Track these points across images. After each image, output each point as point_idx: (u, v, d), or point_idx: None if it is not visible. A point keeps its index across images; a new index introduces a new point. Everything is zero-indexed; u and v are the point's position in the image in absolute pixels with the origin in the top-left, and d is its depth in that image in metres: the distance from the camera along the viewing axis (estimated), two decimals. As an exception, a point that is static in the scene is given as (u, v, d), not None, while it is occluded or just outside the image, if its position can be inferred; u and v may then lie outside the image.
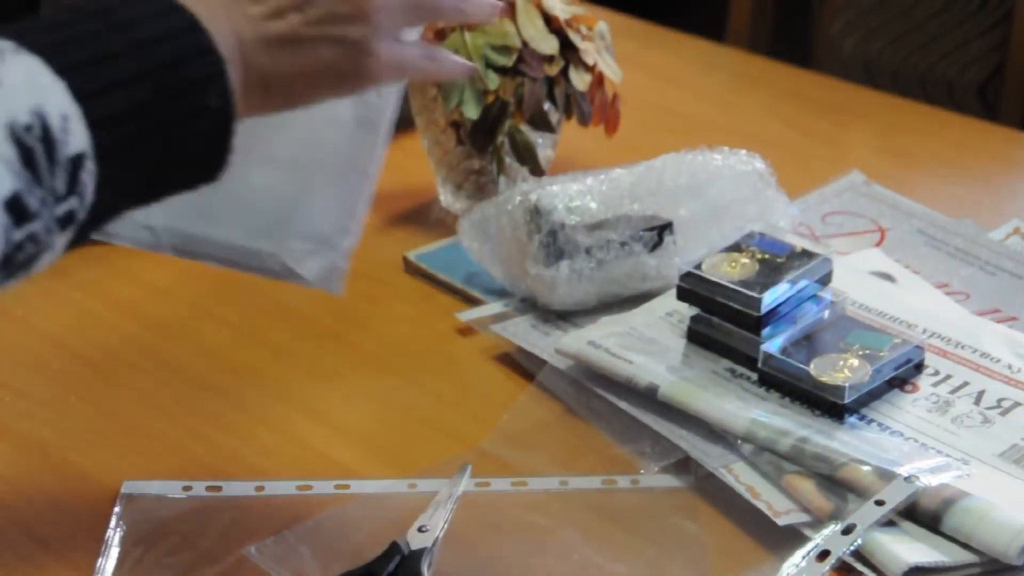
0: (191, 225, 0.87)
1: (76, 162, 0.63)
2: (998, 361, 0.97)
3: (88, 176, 0.64)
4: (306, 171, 0.87)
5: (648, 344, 1.00)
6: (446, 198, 1.23)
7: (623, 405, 0.96)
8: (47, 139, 0.62)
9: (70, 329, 1.08)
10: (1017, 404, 0.93)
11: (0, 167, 0.61)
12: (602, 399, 0.97)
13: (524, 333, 1.04)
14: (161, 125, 0.67)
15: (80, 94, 0.63)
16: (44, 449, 0.96)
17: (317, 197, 0.88)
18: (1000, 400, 0.93)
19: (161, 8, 0.68)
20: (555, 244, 1.04)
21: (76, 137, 0.63)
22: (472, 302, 1.10)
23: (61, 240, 0.65)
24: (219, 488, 0.92)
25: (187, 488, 0.91)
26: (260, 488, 0.92)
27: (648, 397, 0.95)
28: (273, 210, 0.88)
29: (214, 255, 0.89)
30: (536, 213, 1.05)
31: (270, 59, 0.73)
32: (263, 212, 0.88)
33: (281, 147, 0.86)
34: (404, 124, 1.32)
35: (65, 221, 0.64)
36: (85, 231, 0.67)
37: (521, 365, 1.03)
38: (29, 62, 0.63)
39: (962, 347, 0.98)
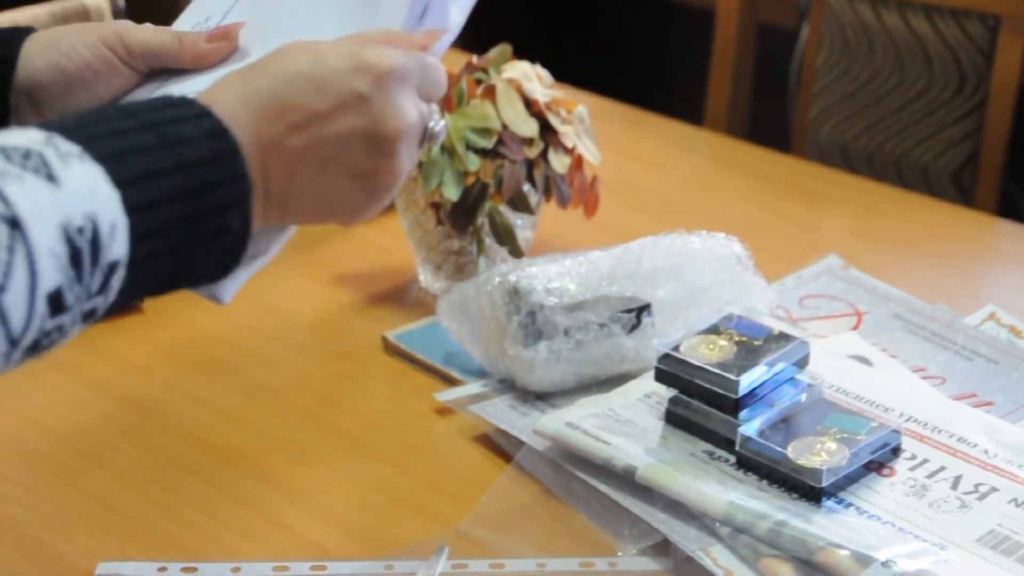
0: None
1: (112, 267, 0.67)
2: (975, 446, 0.97)
3: (117, 281, 0.68)
4: None
5: (626, 425, 1.00)
6: (426, 278, 1.23)
7: (601, 487, 0.96)
8: (95, 242, 0.65)
9: (45, 407, 1.08)
10: (994, 489, 0.93)
11: (50, 262, 0.64)
12: (580, 480, 0.97)
13: (502, 414, 1.04)
14: (189, 241, 0.70)
15: (131, 208, 0.67)
16: (18, 529, 0.95)
17: None
18: (977, 485, 0.94)
19: (208, 130, 0.71)
20: (534, 325, 1.05)
21: (118, 245, 0.67)
22: (451, 382, 1.10)
23: (76, 330, 0.68)
24: (195, 569, 0.91)
25: (162, 569, 0.91)
26: (236, 569, 0.91)
27: (626, 479, 0.95)
28: None
29: None
30: (515, 294, 1.05)
31: (291, 189, 0.75)
32: None
33: None
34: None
35: (88, 316, 0.68)
36: (91, 322, 0.70)
37: (499, 446, 1.03)
38: (92, 170, 0.66)
39: (939, 431, 0.99)
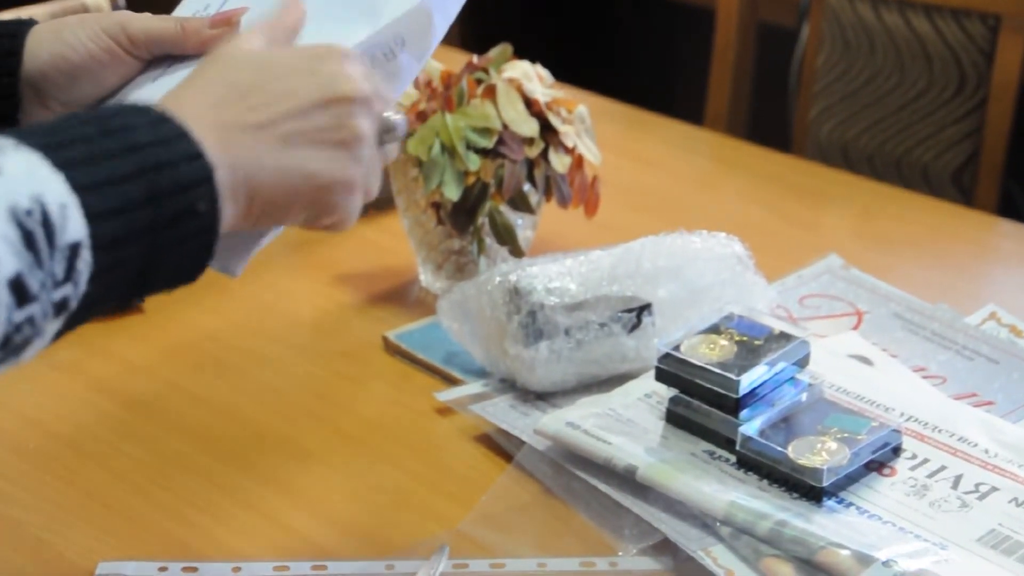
0: None
1: (74, 250, 0.66)
2: (975, 445, 0.97)
3: (84, 265, 0.66)
4: None
5: (627, 425, 1.00)
6: (426, 278, 1.23)
7: (602, 486, 0.96)
8: (47, 224, 0.64)
9: (46, 408, 1.08)
10: (994, 489, 0.93)
11: (4, 247, 0.63)
12: (581, 480, 0.97)
13: (503, 413, 1.04)
14: (153, 224, 0.69)
15: (77, 186, 0.66)
16: (18, 529, 0.95)
17: None
18: (978, 485, 0.94)
19: (152, 119, 0.71)
20: (534, 325, 1.05)
21: (74, 225, 0.66)
22: (451, 382, 1.10)
23: (52, 327, 0.67)
24: (195, 569, 0.91)
25: (163, 569, 0.91)
26: (237, 569, 0.91)
27: (627, 479, 0.95)
28: None
29: None
30: (516, 294, 1.05)
31: (257, 166, 0.75)
32: None
33: None
34: (384, 204, 1.34)
35: (59, 307, 0.66)
36: (72, 322, 0.69)
37: (500, 445, 1.03)
38: (29, 155, 0.66)
39: (939, 431, 0.99)
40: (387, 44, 0.86)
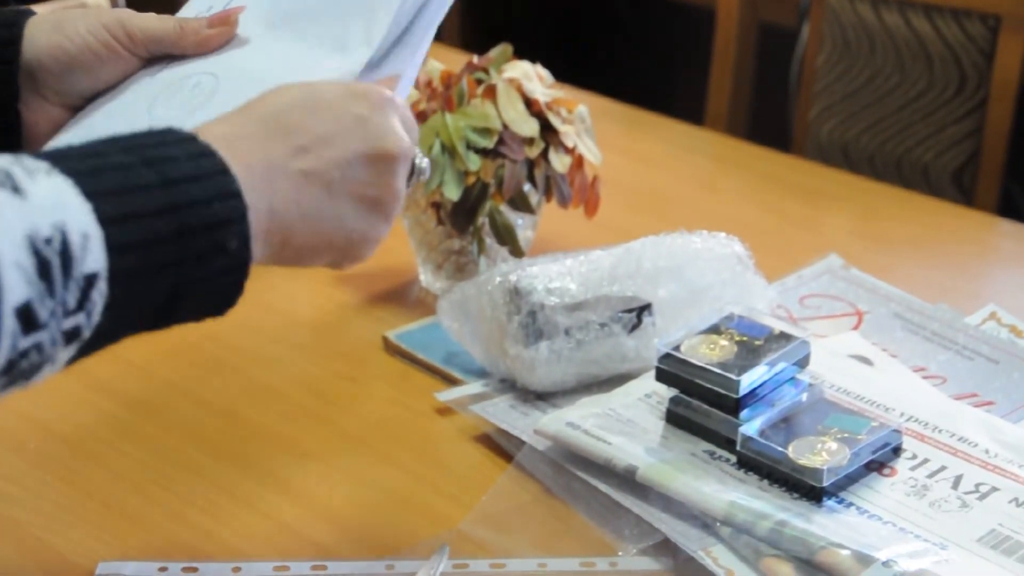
0: None
1: (89, 280, 0.65)
2: (975, 446, 0.97)
3: (99, 296, 0.65)
4: None
5: (627, 425, 1.00)
6: (426, 278, 1.23)
7: (602, 486, 0.96)
8: (65, 253, 0.63)
9: (47, 408, 1.08)
10: (995, 489, 0.93)
11: (16, 275, 0.62)
12: (581, 480, 0.97)
13: (503, 414, 1.04)
14: (177, 259, 0.68)
15: (105, 219, 0.65)
16: (18, 529, 0.95)
17: None
18: (978, 485, 0.94)
19: (195, 151, 0.70)
20: (534, 325, 1.05)
21: (94, 257, 0.65)
22: (451, 382, 1.10)
23: (64, 355, 0.66)
24: (195, 569, 0.91)
25: (163, 569, 0.91)
26: (237, 569, 0.91)
27: (627, 479, 0.95)
28: None
29: None
30: (516, 294, 1.05)
31: (297, 212, 0.74)
32: None
33: None
34: (385, 204, 1.33)
35: (70, 336, 0.65)
36: (87, 350, 0.68)
37: (500, 445, 1.03)
38: (60, 182, 0.65)
39: (939, 431, 0.99)
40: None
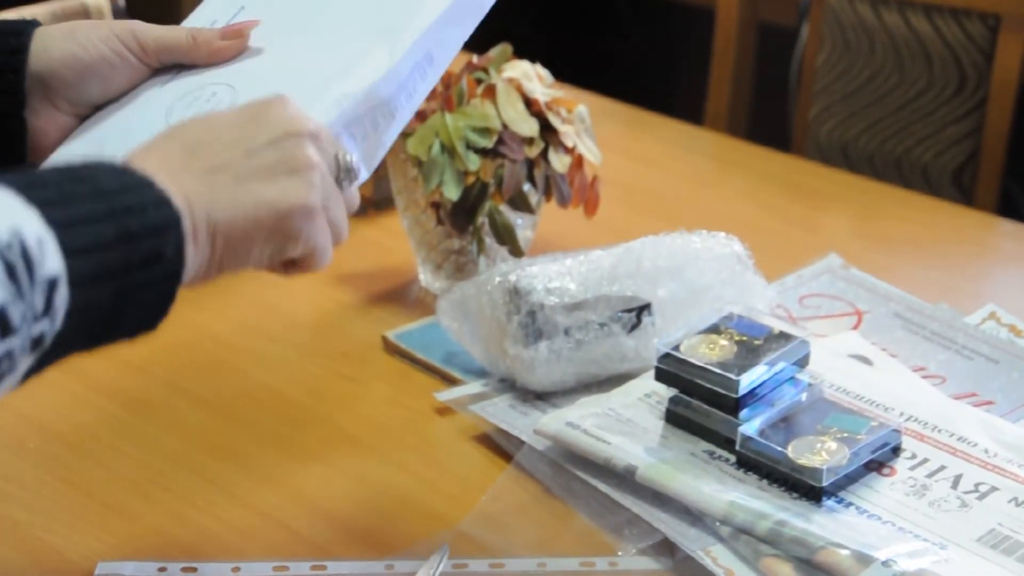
0: None
1: (52, 284, 0.66)
2: (975, 445, 0.97)
3: (60, 301, 0.66)
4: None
5: (626, 425, 1.00)
6: (426, 278, 1.23)
7: (601, 486, 0.96)
8: (26, 256, 0.65)
9: (46, 408, 1.08)
10: (994, 489, 0.93)
11: None
12: (580, 480, 0.97)
13: (502, 413, 1.04)
14: (126, 264, 0.69)
15: (52, 222, 0.66)
16: (18, 529, 0.95)
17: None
18: (977, 484, 0.94)
19: (117, 169, 0.72)
20: (534, 325, 1.05)
21: (51, 260, 0.66)
22: (451, 382, 1.10)
23: (26, 363, 0.67)
24: (194, 569, 0.91)
25: (162, 569, 0.91)
26: (236, 569, 0.91)
27: (626, 478, 0.95)
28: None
29: None
30: (515, 294, 1.05)
31: (213, 204, 0.75)
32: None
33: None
34: (384, 203, 1.34)
35: (36, 343, 0.66)
36: (44, 361, 0.69)
37: (499, 445, 1.03)
38: (4, 194, 0.66)
39: (939, 431, 0.99)
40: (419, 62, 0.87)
